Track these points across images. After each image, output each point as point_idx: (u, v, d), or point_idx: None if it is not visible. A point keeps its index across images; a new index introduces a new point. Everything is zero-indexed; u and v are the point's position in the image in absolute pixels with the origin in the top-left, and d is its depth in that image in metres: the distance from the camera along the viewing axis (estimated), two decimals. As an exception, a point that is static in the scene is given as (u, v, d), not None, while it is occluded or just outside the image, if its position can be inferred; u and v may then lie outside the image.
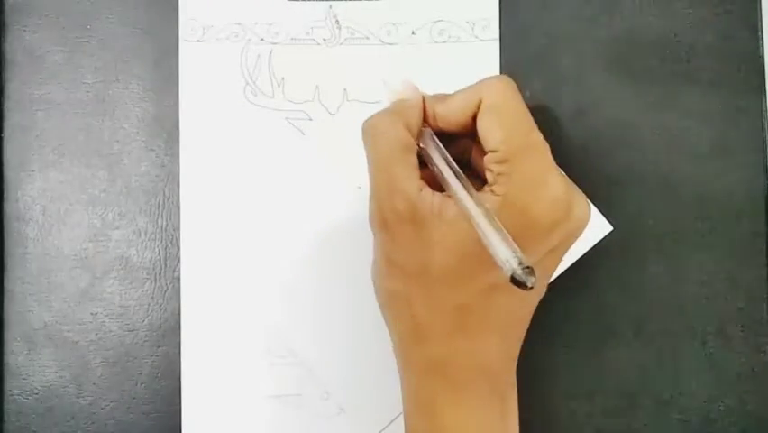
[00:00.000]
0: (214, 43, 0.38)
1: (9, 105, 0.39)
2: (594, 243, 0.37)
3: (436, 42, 0.39)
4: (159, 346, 0.38)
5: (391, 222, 0.31)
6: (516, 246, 0.27)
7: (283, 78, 0.39)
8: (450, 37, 0.38)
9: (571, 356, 0.38)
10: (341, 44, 0.39)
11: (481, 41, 0.38)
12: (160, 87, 0.39)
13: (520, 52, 0.38)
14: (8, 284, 0.38)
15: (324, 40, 0.39)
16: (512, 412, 0.32)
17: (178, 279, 0.38)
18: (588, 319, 0.38)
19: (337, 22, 0.39)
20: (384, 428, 0.37)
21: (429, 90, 0.33)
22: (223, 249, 0.38)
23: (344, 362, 0.38)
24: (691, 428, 0.38)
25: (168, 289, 0.38)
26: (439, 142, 0.32)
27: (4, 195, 0.38)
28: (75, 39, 0.39)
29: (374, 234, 0.32)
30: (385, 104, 0.33)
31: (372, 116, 0.32)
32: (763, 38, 0.39)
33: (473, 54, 0.38)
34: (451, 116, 0.32)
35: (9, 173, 0.38)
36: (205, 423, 0.37)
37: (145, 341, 0.38)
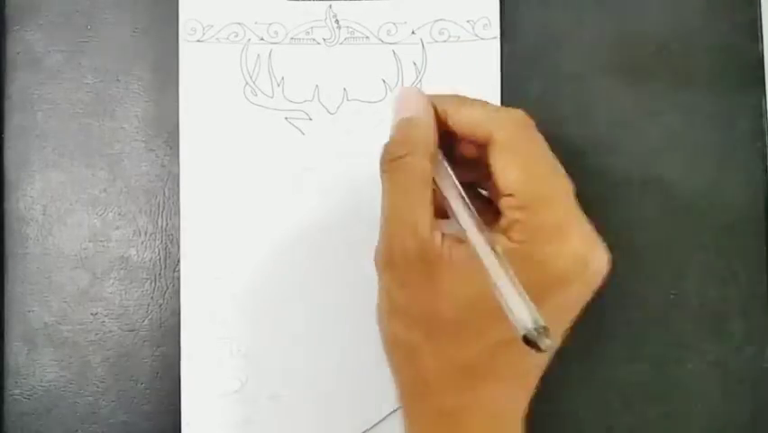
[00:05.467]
0: (213, 43, 0.38)
1: (9, 105, 0.39)
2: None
3: (436, 42, 0.38)
4: (159, 346, 0.38)
5: (399, 261, 0.29)
6: (531, 303, 0.25)
7: (283, 78, 0.39)
8: (450, 36, 0.38)
9: (569, 362, 0.38)
10: (341, 44, 0.39)
11: (482, 39, 0.38)
12: (159, 87, 0.39)
13: (520, 52, 0.38)
14: (8, 284, 0.38)
15: (324, 39, 0.39)
16: None
17: (178, 279, 0.38)
18: (586, 323, 0.38)
19: (337, 21, 0.39)
20: (372, 427, 0.37)
21: (429, 90, 0.32)
22: (223, 249, 0.38)
23: (334, 362, 0.38)
24: (692, 430, 0.38)
25: (168, 289, 0.38)
26: (451, 172, 0.30)
27: (5, 195, 0.38)
28: (75, 39, 0.39)
29: (378, 274, 0.30)
30: (390, 115, 0.31)
31: (391, 145, 0.30)
32: (763, 38, 0.39)
33: (474, 53, 0.38)
34: (463, 128, 0.30)
35: (9, 173, 0.38)
36: (205, 423, 0.37)
37: (145, 341, 0.38)
